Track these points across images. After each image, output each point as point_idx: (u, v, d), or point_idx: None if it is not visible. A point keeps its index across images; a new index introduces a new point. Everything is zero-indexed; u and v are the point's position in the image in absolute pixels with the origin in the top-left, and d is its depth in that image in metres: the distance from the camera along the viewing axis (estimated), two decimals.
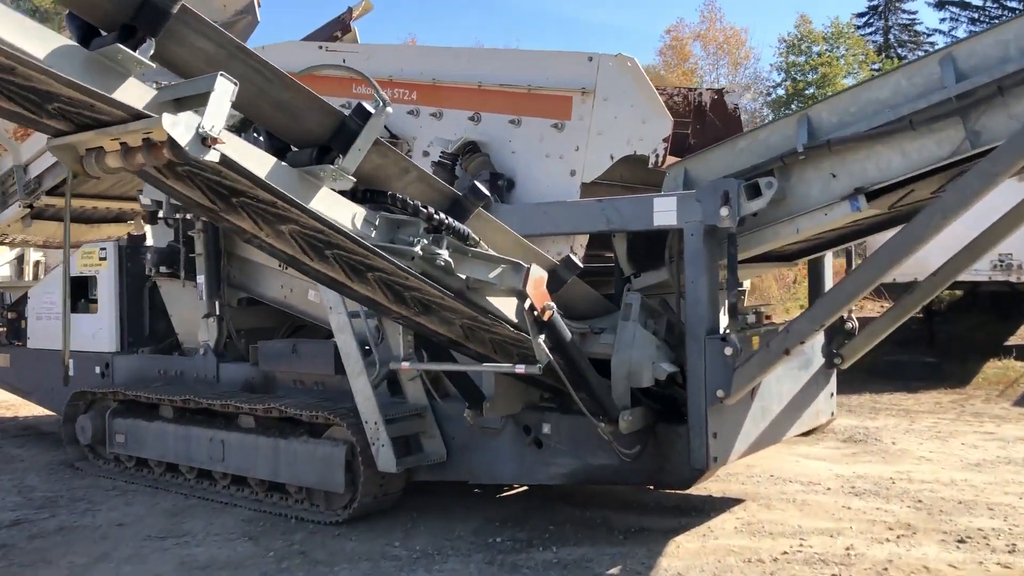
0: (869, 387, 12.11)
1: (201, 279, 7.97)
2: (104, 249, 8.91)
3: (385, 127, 6.80)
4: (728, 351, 5.10)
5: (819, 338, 6.63)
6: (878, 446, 8.69)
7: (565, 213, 5.80)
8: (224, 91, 3.32)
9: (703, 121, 7.29)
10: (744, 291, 6.88)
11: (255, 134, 4.55)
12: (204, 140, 3.26)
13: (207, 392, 7.36)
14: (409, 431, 6.24)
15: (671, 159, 5.84)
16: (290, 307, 7.66)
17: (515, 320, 4.73)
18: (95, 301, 9.02)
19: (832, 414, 6.91)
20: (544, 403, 6.04)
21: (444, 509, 6.59)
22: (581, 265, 5.19)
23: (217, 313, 7.87)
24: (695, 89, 7.42)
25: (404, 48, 7.41)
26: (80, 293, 9.08)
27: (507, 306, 4.73)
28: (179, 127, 3.20)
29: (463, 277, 4.57)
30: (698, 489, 7.00)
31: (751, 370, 5.10)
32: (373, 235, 4.24)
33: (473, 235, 4.49)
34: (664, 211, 5.37)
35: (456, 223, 4.37)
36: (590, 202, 5.70)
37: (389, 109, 3.93)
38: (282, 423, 6.78)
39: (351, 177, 3.95)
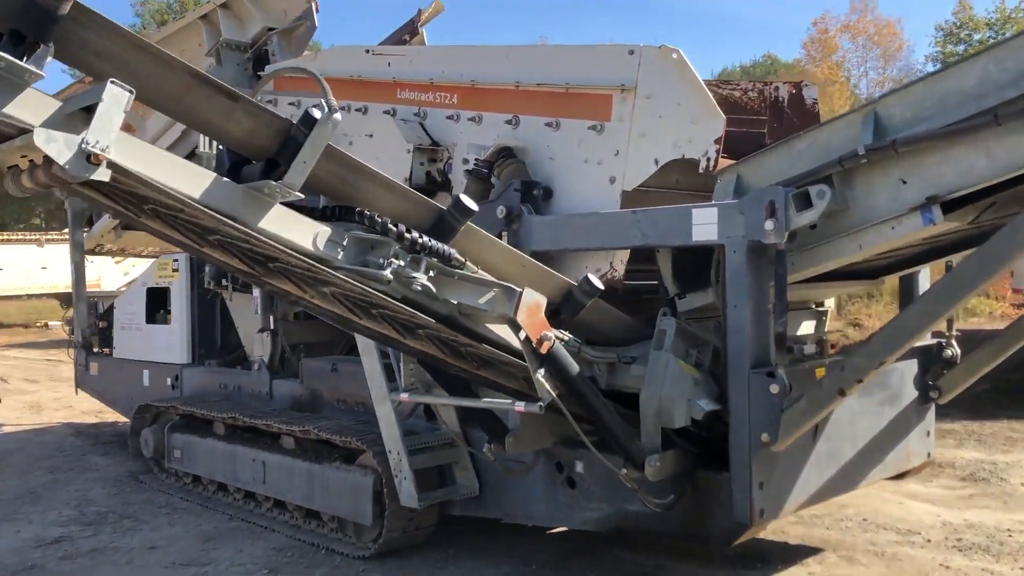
0: (1010, 411, 10.72)
1: (256, 292, 7.78)
2: (177, 260, 8.89)
3: (427, 134, 6.39)
4: (775, 389, 4.34)
5: (910, 367, 5.74)
6: (1002, 487, 7.55)
7: (596, 225, 5.17)
8: (115, 100, 2.93)
9: (781, 119, 6.47)
10: (826, 312, 6.02)
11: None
12: (90, 157, 2.88)
13: (253, 410, 7.12)
14: (438, 462, 5.76)
15: (725, 162, 5.11)
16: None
17: (517, 350, 4.17)
18: (171, 312, 9.02)
19: (929, 455, 5.95)
20: (584, 437, 5.42)
21: (480, 548, 6.08)
22: (601, 286, 4.56)
23: (271, 328, 7.65)
24: (771, 83, 6.59)
25: (445, 49, 6.93)
26: (157, 304, 9.11)
27: (508, 334, 4.18)
28: (56, 143, 2.83)
29: (453, 303, 4.06)
30: (774, 533, 6.23)
31: (801, 412, 4.33)
32: (340, 257, 3.78)
33: (457, 255, 3.95)
34: (703, 224, 4.66)
35: (434, 242, 3.84)
36: (623, 213, 5.05)
37: (337, 116, 3.46)
38: (319, 446, 6.44)
39: (298, 193, 3.50)
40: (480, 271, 4.06)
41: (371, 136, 6.63)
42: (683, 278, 5.14)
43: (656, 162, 5.20)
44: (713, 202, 4.74)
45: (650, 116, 5.20)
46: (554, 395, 4.14)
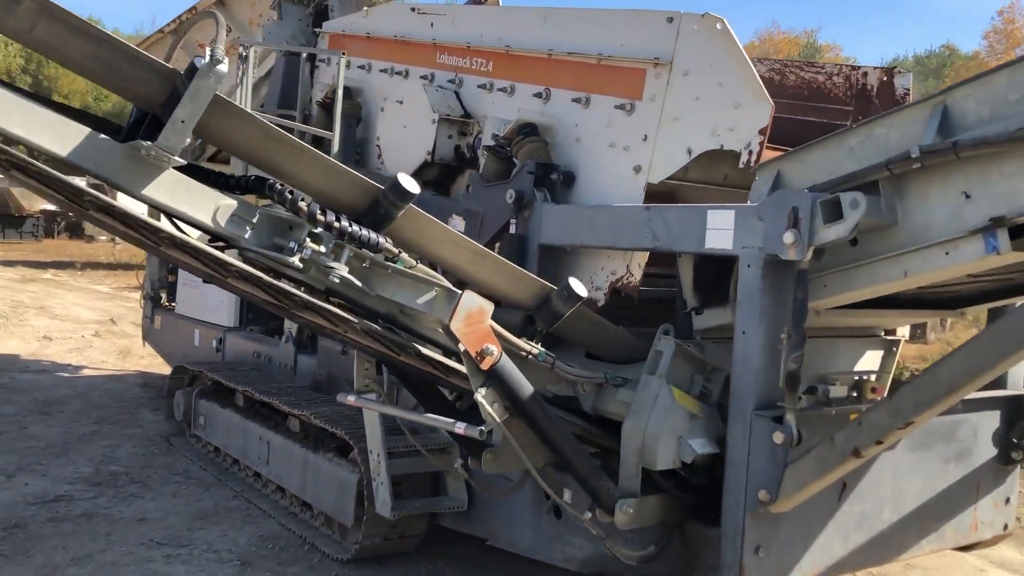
0: None
1: None
2: None
3: (460, 104, 5.78)
4: (779, 438, 3.54)
5: (990, 419, 4.73)
6: None
7: (606, 221, 4.43)
8: None
9: (868, 109, 5.50)
10: (898, 342, 5.07)
11: None
12: None
13: (267, 385, 6.75)
14: (427, 469, 5.19)
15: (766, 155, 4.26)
16: None
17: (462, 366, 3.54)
18: None
19: (1007, 527, 4.92)
20: (533, 468, 4.73)
21: (473, 564, 5.49)
22: (584, 293, 3.85)
23: None
24: (858, 68, 5.60)
25: (485, 10, 6.29)
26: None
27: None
28: None
29: (391, 300, 3.47)
30: None
31: (808, 471, 3.51)
32: (247, 236, 3.24)
33: (389, 245, 3.33)
34: (718, 229, 3.86)
35: (355, 227, 3.23)
36: (634, 210, 4.29)
37: (222, 67, 2.88)
38: (320, 433, 5.99)
39: (175, 158, 2.97)
40: (421, 265, 3.43)
41: (401, 102, 6.07)
42: (704, 289, 4.36)
43: (689, 152, 4.43)
44: (733, 204, 3.93)
45: (686, 96, 4.42)
46: (498, 420, 3.48)
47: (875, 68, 5.49)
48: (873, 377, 4.25)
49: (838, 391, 4.01)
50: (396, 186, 3.26)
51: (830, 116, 5.56)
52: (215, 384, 7.41)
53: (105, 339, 14.28)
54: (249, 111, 3.15)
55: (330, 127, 6.59)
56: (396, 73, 6.40)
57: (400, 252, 3.35)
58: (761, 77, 6.06)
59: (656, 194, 5.37)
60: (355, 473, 5.37)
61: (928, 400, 3.15)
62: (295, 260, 3.19)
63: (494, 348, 3.36)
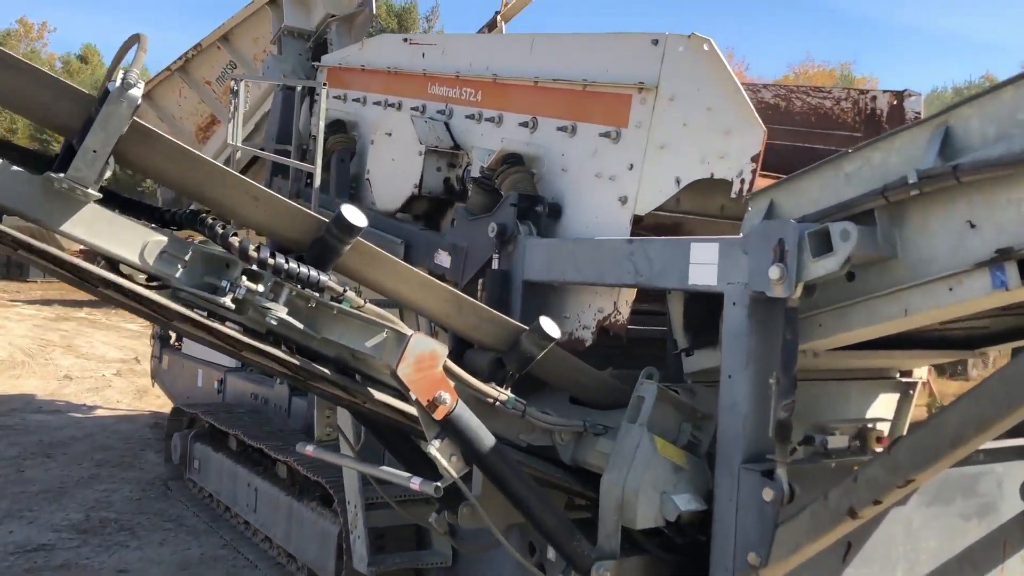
0: None
1: None
2: None
3: (450, 134, 5.55)
4: (768, 495, 3.19)
5: (1016, 470, 4.32)
6: None
7: (589, 256, 4.14)
8: None
9: (877, 133, 5.13)
10: (915, 384, 4.68)
11: None
12: None
13: (258, 428, 6.51)
14: (408, 521, 4.87)
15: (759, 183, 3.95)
16: None
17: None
18: None
19: None
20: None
21: None
22: (556, 334, 3.55)
23: None
24: (867, 92, 5.28)
25: (474, 38, 6.08)
26: None
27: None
28: None
29: (339, 343, 3.20)
30: None
31: (801, 531, 3.15)
32: (178, 275, 2.99)
33: (332, 283, 3.06)
34: (702, 264, 3.55)
35: (292, 264, 2.97)
36: (616, 244, 3.99)
37: (134, 91, 2.64)
38: (305, 480, 5.71)
39: (89, 191, 2.73)
40: (370, 305, 3.15)
41: (390, 135, 5.85)
42: (695, 329, 4.03)
43: (678, 181, 4.13)
44: (717, 237, 3.61)
45: (673, 123, 4.13)
46: (455, 475, 3.18)
47: (884, 92, 5.16)
48: (880, 425, 3.87)
49: (838, 441, 3.63)
50: (340, 220, 3.00)
51: (838, 143, 5.22)
52: (211, 427, 7.18)
53: (126, 378, 14.21)
54: (171, 139, 2.90)
55: (327, 163, 6.44)
56: (389, 105, 6.20)
57: (345, 291, 3.08)
58: (766, 103, 5.84)
59: (658, 227, 5.10)
60: (336, 524, 5.08)
61: (930, 455, 2.79)
62: (226, 300, 2.93)
63: (447, 396, 3.07)
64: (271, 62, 7.58)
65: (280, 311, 3.00)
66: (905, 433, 4.68)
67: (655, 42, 4.17)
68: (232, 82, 6.34)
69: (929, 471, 2.84)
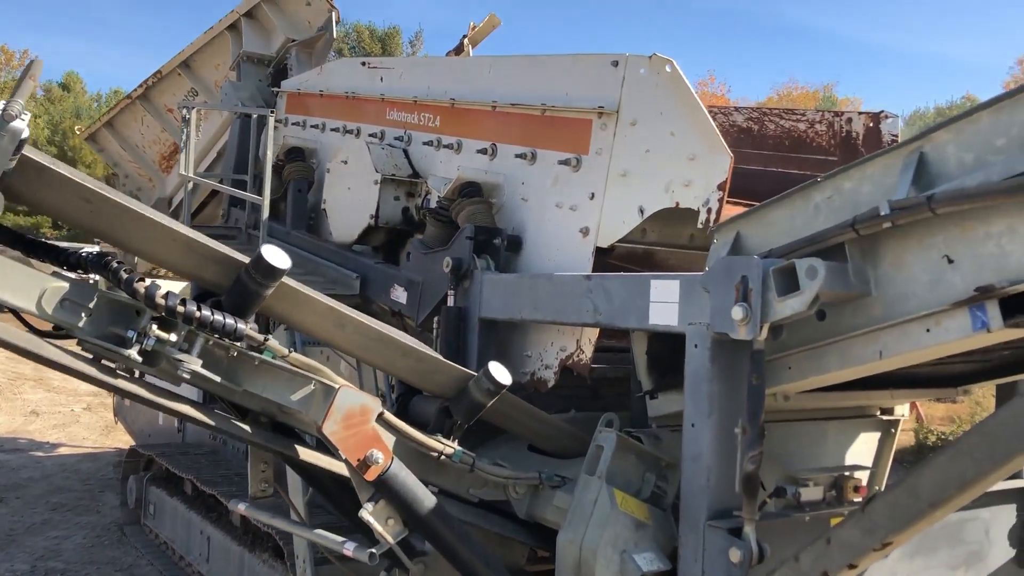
0: None
1: None
2: None
3: (409, 162, 5.30)
4: (735, 556, 2.91)
5: (1003, 515, 4.06)
6: None
7: (547, 292, 3.87)
8: None
9: (853, 157, 4.91)
10: (897, 422, 4.43)
11: None
12: None
13: (212, 471, 6.19)
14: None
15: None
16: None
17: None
18: None
19: None
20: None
21: None
22: (507, 381, 3.28)
23: None
24: (842, 114, 5.06)
25: (432, 61, 5.86)
26: None
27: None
28: None
29: (264, 397, 2.92)
30: None
31: None
32: (82, 324, 2.71)
33: (251, 332, 2.79)
34: (663, 303, 3.30)
35: (206, 312, 2.69)
36: (574, 280, 3.73)
37: (16, 124, 2.36)
38: (258, 530, 5.40)
39: None
40: (295, 354, 2.88)
41: (345, 162, 5.59)
42: (660, 370, 3.77)
43: (642, 211, 3.88)
44: (679, 273, 3.36)
45: (635, 149, 3.89)
46: (392, 541, 2.90)
47: (860, 114, 4.94)
48: (858, 473, 3.61)
49: (812, 492, 3.37)
50: (259, 262, 2.73)
51: (813, 167, 5.00)
52: (166, 469, 6.86)
53: (95, 412, 13.83)
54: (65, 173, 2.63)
55: (284, 192, 6.19)
56: (348, 132, 5.95)
57: (267, 339, 2.80)
58: (738, 126, 5.62)
59: (630, 258, 4.85)
60: None
61: (908, 516, 2.52)
62: (132, 352, 2.65)
63: (380, 455, 2.79)
64: (229, 89, 7.33)
65: (193, 363, 2.72)
66: (886, 476, 4.46)
67: (615, 64, 3.94)
68: (184, 110, 6.07)
69: (907, 533, 2.58)
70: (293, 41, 7.14)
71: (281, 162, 6.32)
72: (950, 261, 2.70)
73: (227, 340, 2.77)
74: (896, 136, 4.89)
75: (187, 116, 6.04)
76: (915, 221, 2.73)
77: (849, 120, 4.96)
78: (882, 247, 2.88)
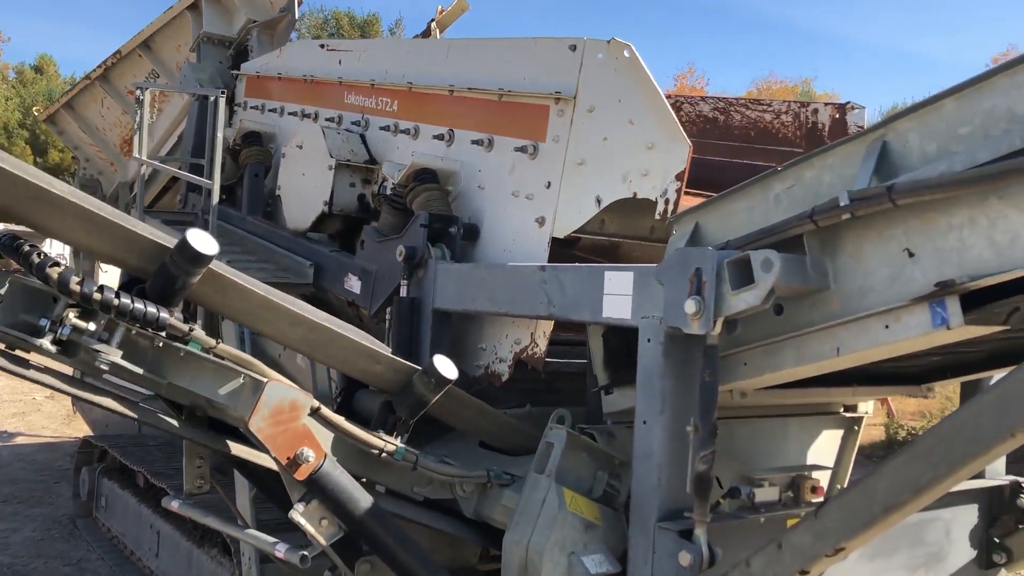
0: None
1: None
2: None
3: (366, 148, 5.14)
4: (685, 560, 2.79)
5: (966, 515, 3.98)
6: None
7: (500, 283, 3.74)
8: None
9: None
10: (860, 419, 4.34)
11: None
12: None
13: (166, 463, 6.02)
14: None
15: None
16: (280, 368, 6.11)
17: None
18: None
19: None
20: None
21: None
22: (453, 375, 3.13)
23: None
24: (807, 105, 4.95)
25: (391, 43, 5.71)
26: None
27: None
28: None
29: (190, 391, 2.76)
30: None
31: None
32: None
33: (174, 322, 2.63)
34: (616, 295, 3.17)
35: (131, 301, 2.54)
36: (527, 271, 3.59)
37: None
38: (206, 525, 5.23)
39: None
40: (224, 345, 2.73)
41: (301, 147, 5.42)
42: (616, 364, 3.65)
43: (599, 201, 3.76)
44: (633, 265, 3.24)
45: (592, 137, 3.76)
46: (324, 543, 2.76)
47: (826, 105, 4.84)
48: (817, 472, 3.50)
49: (768, 493, 3.25)
50: (184, 247, 2.57)
51: (779, 158, 4.89)
52: (118, 461, 6.67)
53: (57, 401, 13.53)
54: None
55: (241, 177, 6.02)
56: (306, 116, 5.78)
57: (192, 329, 2.65)
58: (704, 116, 5.50)
59: (595, 249, 4.73)
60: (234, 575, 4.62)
61: (861, 521, 2.41)
62: (44, 342, 2.49)
63: (311, 453, 2.65)
64: (188, 70, 7.12)
65: (113, 354, 2.56)
66: (848, 474, 4.36)
67: (573, 48, 3.80)
68: (138, 91, 5.87)
69: (861, 538, 2.47)
70: (254, 22, 6.94)
71: (238, 146, 6.15)
72: (911, 254, 2.59)
73: (150, 330, 2.61)
74: (862, 127, 4.78)
75: (140, 97, 5.83)
76: (875, 212, 2.62)
77: (815, 111, 4.85)
78: (841, 239, 2.77)
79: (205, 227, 6.07)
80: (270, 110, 6.22)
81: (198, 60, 7.21)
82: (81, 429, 11.23)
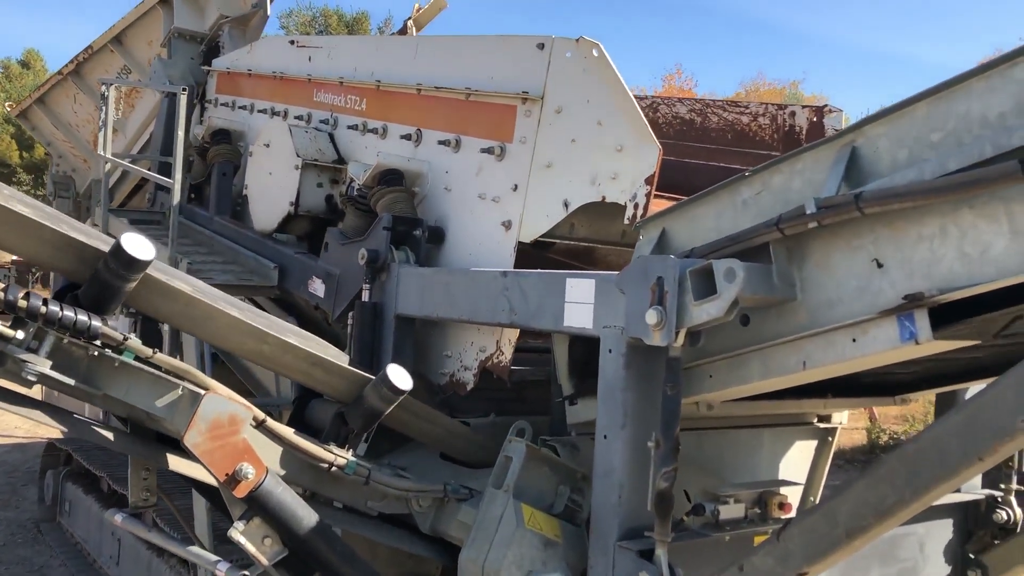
0: None
1: None
2: None
3: (334, 147, 5.01)
4: None
5: (940, 530, 3.88)
6: None
7: (463, 288, 3.62)
8: None
9: None
10: (834, 430, 4.23)
11: None
12: None
13: (126, 468, 5.85)
14: None
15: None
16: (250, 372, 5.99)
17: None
18: None
19: None
20: None
21: None
22: (407, 386, 3.02)
23: None
24: (785, 107, 4.84)
25: (359, 40, 5.59)
26: None
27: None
28: None
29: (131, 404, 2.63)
30: None
31: None
32: None
33: (108, 330, 2.50)
34: (578, 303, 3.06)
35: (59, 308, 2.41)
36: (490, 276, 3.47)
37: None
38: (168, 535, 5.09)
39: None
40: (161, 355, 2.60)
41: (268, 146, 5.28)
42: (580, 373, 3.54)
43: (566, 204, 3.64)
44: (595, 272, 3.13)
45: (560, 138, 3.64)
46: (266, 563, 2.63)
47: (804, 107, 4.74)
48: (784, 489, 3.39)
49: (733, 511, 3.14)
50: (118, 252, 2.44)
51: (755, 162, 4.78)
52: (82, 466, 6.52)
53: None
54: None
55: (208, 176, 5.89)
56: (275, 114, 5.65)
57: (127, 338, 2.52)
58: (681, 118, 5.39)
59: (569, 253, 4.61)
60: None
61: (823, 545, 2.30)
62: None
63: (250, 469, 2.52)
64: (158, 66, 6.98)
65: (41, 364, 2.43)
66: (822, 486, 4.26)
67: (540, 46, 3.68)
68: (103, 87, 5.72)
69: (824, 562, 2.36)
70: (226, 18, 6.79)
71: (207, 144, 6.01)
72: (879, 265, 2.48)
73: (82, 339, 2.48)
74: (839, 130, 4.68)
75: (105, 93, 5.68)
76: (842, 221, 2.51)
77: (792, 114, 4.74)
78: (808, 248, 2.66)
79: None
80: (240, 107, 6.09)
81: (169, 56, 7.07)
82: (52, 431, 11.06)
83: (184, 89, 5.03)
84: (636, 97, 3.80)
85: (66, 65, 8.58)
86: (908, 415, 14.13)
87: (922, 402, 14.36)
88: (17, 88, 45.46)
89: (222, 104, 6.35)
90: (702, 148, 5.11)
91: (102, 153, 5.84)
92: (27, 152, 42.30)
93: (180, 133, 4.97)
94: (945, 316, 2.38)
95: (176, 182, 4.97)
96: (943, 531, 3.84)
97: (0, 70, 49.35)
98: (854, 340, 2.53)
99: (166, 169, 5.87)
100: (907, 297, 2.35)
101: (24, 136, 44.27)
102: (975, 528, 3.87)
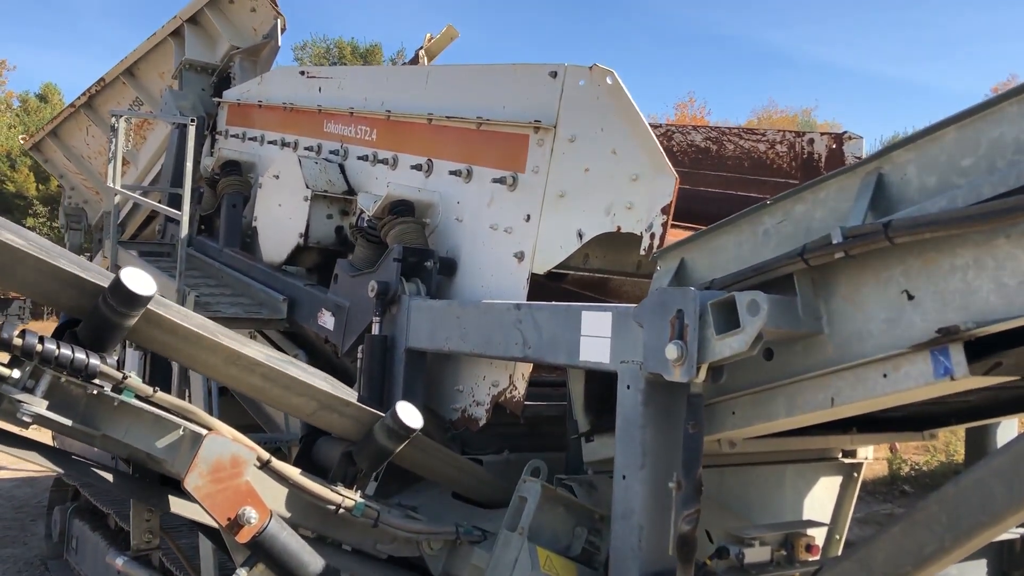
0: None
1: None
2: None
3: (344, 178, 4.95)
4: None
5: (975, 571, 3.73)
6: None
7: (475, 322, 3.52)
8: None
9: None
10: (860, 466, 4.10)
11: None
12: None
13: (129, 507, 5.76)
14: None
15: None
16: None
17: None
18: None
19: None
20: None
21: None
22: (416, 425, 2.90)
23: None
24: (803, 134, 4.75)
25: (370, 71, 5.54)
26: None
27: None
28: None
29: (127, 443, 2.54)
30: None
31: None
32: None
33: (107, 368, 2.41)
34: (594, 337, 2.95)
35: (56, 347, 2.32)
36: (502, 309, 3.37)
37: None
38: (174, 573, 4.98)
39: None
40: (162, 394, 2.50)
41: (277, 177, 5.22)
42: (597, 409, 3.42)
43: (580, 235, 3.54)
44: (612, 304, 3.02)
45: (574, 168, 3.56)
46: None
47: (822, 135, 4.64)
48: (811, 530, 3.26)
49: (758, 554, 3.01)
50: (118, 288, 2.36)
51: (773, 190, 4.70)
52: (89, 501, 6.42)
53: (45, 433, 13.25)
54: None
55: (218, 208, 5.83)
56: (286, 144, 5.60)
57: (126, 377, 2.43)
58: (697, 146, 5.30)
59: (582, 284, 4.51)
60: None
61: None
62: None
63: (253, 513, 2.41)
64: (169, 97, 6.96)
65: (37, 404, 2.34)
66: (847, 524, 4.11)
67: (553, 75, 3.61)
68: (113, 118, 5.69)
69: None
70: (237, 49, 6.78)
71: (217, 175, 5.96)
72: (910, 297, 2.37)
73: (79, 378, 2.39)
74: (860, 158, 4.58)
75: (115, 125, 5.65)
76: (871, 251, 2.40)
77: (811, 141, 4.65)
78: (835, 280, 2.55)
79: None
80: (250, 138, 6.05)
81: (180, 87, 7.05)
82: None
83: (193, 120, 4.99)
84: (650, 125, 3.72)
85: (79, 98, 8.60)
86: (929, 446, 13.84)
87: (943, 432, 14.02)
88: (35, 121, 45.95)
89: (232, 135, 6.32)
90: (718, 176, 5.02)
91: (111, 185, 5.79)
92: (43, 184, 42.64)
93: (189, 164, 4.92)
94: (979, 350, 2.27)
95: (184, 214, 4.91)
96: (977, 572, 3.69)
97: (18, 103, 49.96)
98: (885, 375, 2.41)
99: (176, 201, 5.82)
100: (941, 331, 2.23)
101: (41, 169, 44.77)
102: (1010, 569, 3.73)
